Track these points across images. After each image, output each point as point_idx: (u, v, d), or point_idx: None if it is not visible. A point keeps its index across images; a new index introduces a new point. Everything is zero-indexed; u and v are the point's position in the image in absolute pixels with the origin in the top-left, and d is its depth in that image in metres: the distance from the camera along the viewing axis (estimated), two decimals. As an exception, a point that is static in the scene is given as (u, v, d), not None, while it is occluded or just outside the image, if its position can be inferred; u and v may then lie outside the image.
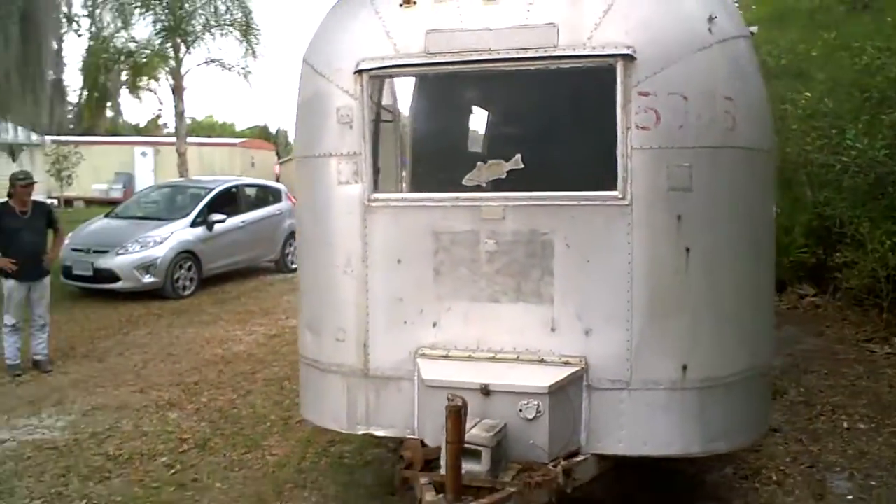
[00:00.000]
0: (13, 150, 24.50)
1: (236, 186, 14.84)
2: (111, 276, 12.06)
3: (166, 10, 22.77)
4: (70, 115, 43.58)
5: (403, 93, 4.81)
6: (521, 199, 4.23)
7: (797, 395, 7.47)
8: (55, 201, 29.12)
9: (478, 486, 3.78)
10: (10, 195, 8.30)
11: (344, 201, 4.48)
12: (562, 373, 4.08)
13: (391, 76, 4.35)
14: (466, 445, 3.75)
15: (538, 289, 4.21)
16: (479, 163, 4.44)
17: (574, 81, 4.39)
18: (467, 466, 3.79)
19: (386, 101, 4.84)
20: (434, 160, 4.68)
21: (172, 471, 5.91)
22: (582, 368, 4.15)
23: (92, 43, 37.58)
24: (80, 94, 43.86)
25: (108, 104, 32.44)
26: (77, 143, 30.25)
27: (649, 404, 4.15)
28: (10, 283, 8.21)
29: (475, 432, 3.80)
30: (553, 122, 4.66)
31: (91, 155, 31.89)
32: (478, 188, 4.38)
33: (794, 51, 11.21)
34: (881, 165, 9.48)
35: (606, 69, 4.07)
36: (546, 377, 4.04)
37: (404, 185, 4.58)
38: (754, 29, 4.76)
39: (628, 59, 4.01)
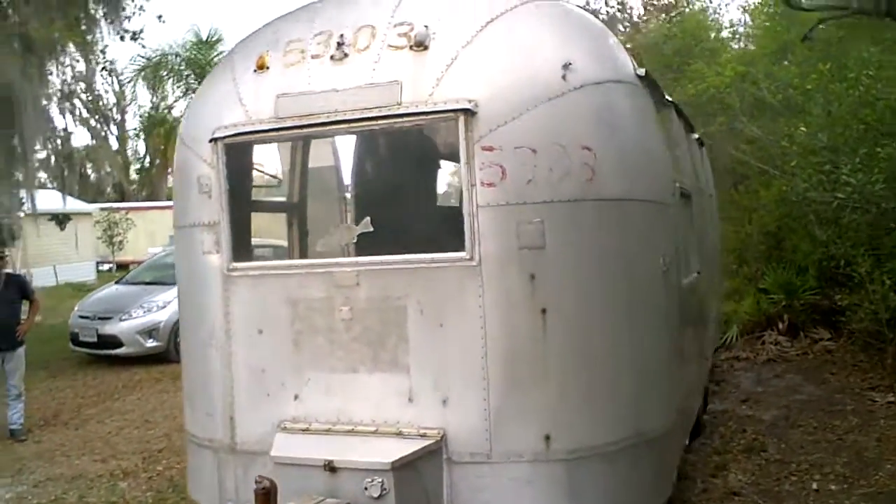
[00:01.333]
0: (61, 220, 25.42)
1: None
2: (115, 342, 12.22)
3: (198, 80, 23.50)
4: (133, 185, 45.43)
5: (283, 159, 4.71)
6: (373, 264, 4.05)
7: (775, 452, 6.97)
8: (110, 266, 30.14)
9: (311, 572, 3.53)
10: (-14, 268, 8.49)
11: (207, 271, 4.38)
12: (412, 446, 3.83)
13: (243, 143, 4.25)
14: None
15: (395, 357, 3.99)
16: (330, 228, 4.28)
17: (420, 140, 4.22)
18: (305, 549, 3.57)
19: (271, 167, 4.75)
20: (285, 227, 4.54)
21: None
22: (438, 441, 3.88)
23: (152, 113, 39.20)
24: (142, 162, 45.76)
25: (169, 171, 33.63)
26: (127, 210, 31.22)
27: (512, 478, 3.86)
28: (-17, 355, 8.35)
29: (306, 516, 3.57)
30: (402, 182, 4.47)
31: (145, 220, 32.87)
32: (331, 254, 4.21)
33: (792, 85, 10.77)
34: (881, 201, 8.96)
35: (450, 125, 3.89)
36: (394, 452, 3.79)
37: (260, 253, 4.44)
38: (641, 71, 4.51)
39: (468, 113, 3.82)
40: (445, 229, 3.95)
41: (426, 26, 4.04)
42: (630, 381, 4.01)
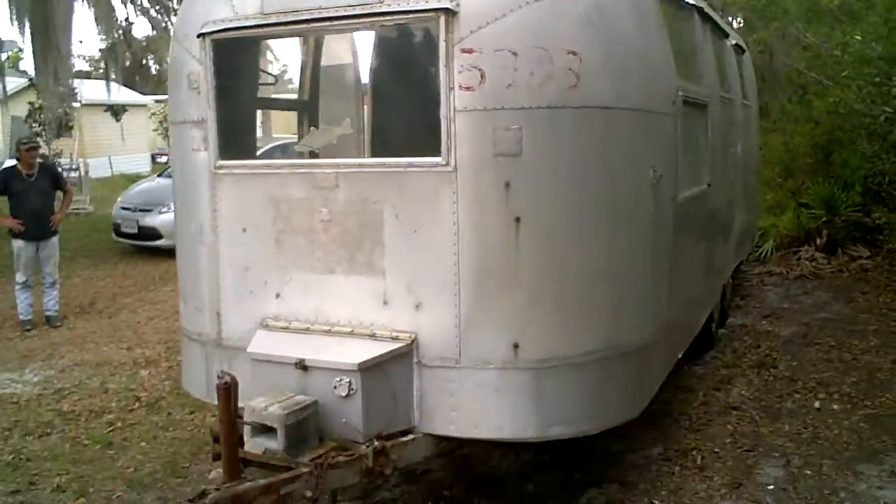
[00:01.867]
0: (116, 111, 25.83)
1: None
2: (154, 234, 12.54)
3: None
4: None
5: (272, 56, 4.64)
6: (352, 167, 4.02)
7: (785, 369, 6.91)
8: (167, 158, 30.67)
9: (275, 464, 3.66)
10: (17, 159, 8.72)
11: (196, 168, 4.41)
12: (382, 348, 3.88)
13: (230, 39, 4.18)
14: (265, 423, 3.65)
15: (370, 260, 4.00)
16: (311, 128, 4.24)
17: (403, 40, 4.09)
18: (267, 444, 3.69)
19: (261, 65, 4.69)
20: (274, 125, 4.50)
21: (111, 428, 6.10)
22: (409, 344, 3.92)
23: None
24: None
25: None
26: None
27: (479, 384, 3.89)
28: (18, 243, 8.68)
29: (271, 409, 3.68)
30: (384, 84, 4.36)
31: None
32: (314, 154, 4.18)
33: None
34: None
35: (431, 25, 3.76)
36: (363, 353, 3.85)
37: (248, 150, 4.42)
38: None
39: (449, 13, 3.68)
40: (424, 133, 3.87)
41: (421, -81, 3.85)
42: (606, 293, 3.96)
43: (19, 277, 8.76)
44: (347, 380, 3.78)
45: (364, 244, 4.01)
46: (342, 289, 4.10)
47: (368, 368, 3.81)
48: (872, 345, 7.44)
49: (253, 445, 3.74)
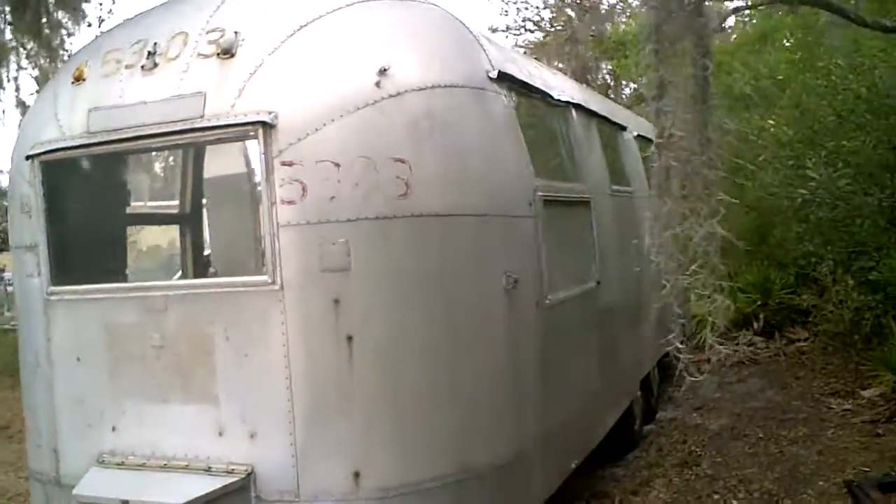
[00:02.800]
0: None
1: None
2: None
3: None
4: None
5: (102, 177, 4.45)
6: (181, 288, 3.81)
7: (707, 467, 6.59)
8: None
9: None
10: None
11: (30, 295, 4.17)
12: (213, 484, 3.58)
13: (58, 160, 4.01)
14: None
15: (203, 387, 3.74)
16: (139, 249, 4.04)
17: (226, 155, 3.94)
18: None
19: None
20: (102, 248, 4.30)
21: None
22: (244, 478, 3.62)
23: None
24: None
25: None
26: None
27: (321, 519, 3.58)
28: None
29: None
30: (210, 201, 4.20)
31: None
32: (142, 278, 3.96)
33: (763, 75, 10.28)
34: (847, 197, 8.47)
35: (250, 140, 3.61)
36: (192, 490, 3.54)
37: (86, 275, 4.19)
38: (494, 73, 4.19)
39: (266, 126, 3.54)
40: (250, 251, 3.67)
41: (237, 32, 3.78)
42: (452, 412, 3.71)
43: None
44: (171, 521, 3.46)
45: (197, 370, 3.75)
46: (177, 419, 3.82)
47: (195, 509, 3.49)
48: (800, 434, 7.16)
49: None
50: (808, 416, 7.64)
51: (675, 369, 9.86)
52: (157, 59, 3.87)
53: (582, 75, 22.06)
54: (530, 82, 4.78)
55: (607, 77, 22.16)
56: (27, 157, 4.05)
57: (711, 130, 3.84)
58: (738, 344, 10.23)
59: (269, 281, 3.56)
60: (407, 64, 3.78)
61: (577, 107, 5.64)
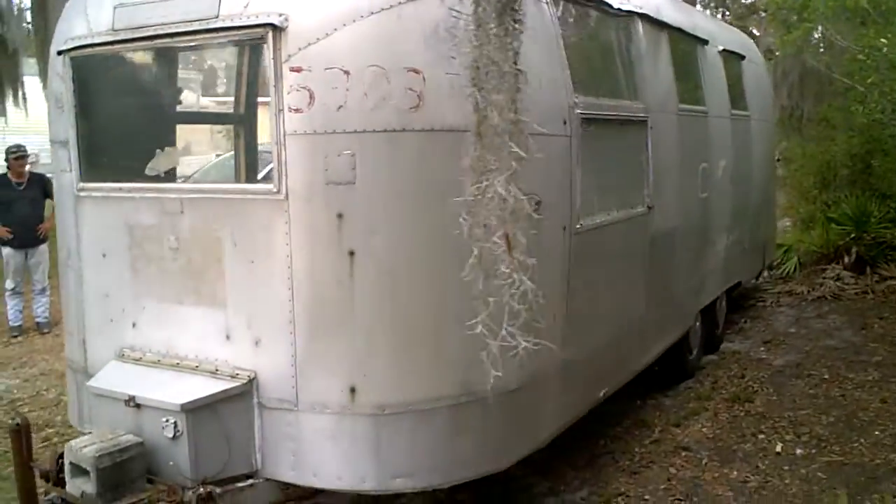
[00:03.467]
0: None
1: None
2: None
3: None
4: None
5: (132, 73, 4.43)
6: (195, 192, 3.80)
7: (760, 404, 6.35)
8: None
9: (90, 508, 3.47)
10: (7, 167, 8.85)
11: (64, 190, 4.27)
12: (216, 387, 3.64)
13: (87, 56, 4.00)
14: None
15: (214, 291, 3.76)
16: (157, 150, 4.02)
17: (241, 58, 3.81)
18: (84, 487, 3.50)
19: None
20: (128, 147, 4.29)
21: (43, 443, 6.03)
22: (246, 384, 3.66)
23: None
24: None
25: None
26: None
27: (317, 430, 3.61)
28: (7, 251, 8.80)
29: (85, 450, 3.48)
30: (229, 104, 4.09)
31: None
32: (162, 178, 3.96)
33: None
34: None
35: (261, 43, 3.49)
36: (194, 391, 3.61)
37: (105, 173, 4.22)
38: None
39: (277, 29, 3.41)
40: (260, 159, 3.61)
41: (256, -72, 3.60)
42: (455, 334, 3.59)
43: (8, 284, 8.88)
44: (173, 420, 3.54)
45: (208, 274, 3.77)
46: (190, 321, 3.88)
47: (196, 409, 3.56)
48: (868, 379, 6.77)
49: (71, 487, 3.56)
50: (882, 361, 7.22)
51: (752, 299, 9.53)
52: (179, -44, 3.75)
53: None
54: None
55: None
56: (59, 53, 4.06)
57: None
58: (825, 278, 9.73)
59: (275, 190, 3.49)
60: (430, -36, 3.53)
61: (644, 17, 5.23)
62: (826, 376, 6.91)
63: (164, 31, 3.71)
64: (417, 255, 3.52)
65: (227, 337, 3.75)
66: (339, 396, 3.54)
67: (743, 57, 7.84)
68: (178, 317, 3.90)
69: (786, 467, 5.24)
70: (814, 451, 5.46)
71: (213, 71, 3.82)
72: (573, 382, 4.40)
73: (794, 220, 12.13)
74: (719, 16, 21.25)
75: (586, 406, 4.71)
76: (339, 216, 3.44)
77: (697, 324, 6.95)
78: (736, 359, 7.53)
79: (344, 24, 3.39)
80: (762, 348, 7.86)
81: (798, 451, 5.47)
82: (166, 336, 3.94)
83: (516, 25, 3.25)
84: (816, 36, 12.54)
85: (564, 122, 4.04)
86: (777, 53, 15.79)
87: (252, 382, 3.67)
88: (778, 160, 9.69)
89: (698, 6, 21.31)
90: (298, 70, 3.40)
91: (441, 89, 3.46)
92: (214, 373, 3.76)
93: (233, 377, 3.70)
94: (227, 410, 3.64)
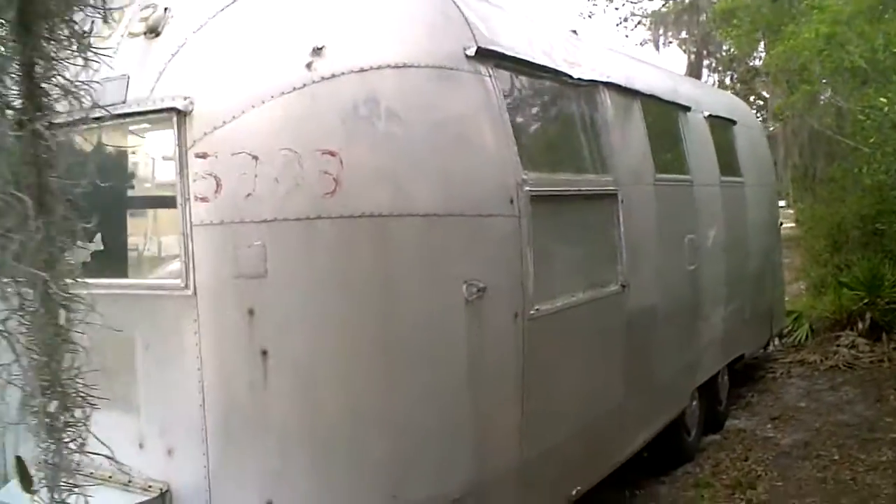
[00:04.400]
0: None
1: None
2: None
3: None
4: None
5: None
6: (105, 287, 3.48)
7: (763, 492, 5.84)
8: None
9: None
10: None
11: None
12: (128, 500, 3.30)
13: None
14: None
15: (127, 395, 3.45)
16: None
17: (149, 147, 3.58)
18: None
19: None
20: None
21: None
22: (157, 497, 3.32)
23: None
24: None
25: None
26: None
27: (234, 549, 3.24)
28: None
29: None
30: (135, 194, 3.83)
31: None
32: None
33: (878, 47, 9.04)
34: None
35: (167, 128, 3.26)
36: (99, 509, 3.26)
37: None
38: (471, 50, 3.66)
39: (181, 113, 3.17)
40: (168, 252, 3.34)
41: (167, 8, 3.42)
42: (384, 440, 3.25)
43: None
44: (72, 543, 3.18)
45: (120, 376, 3.46)
46: (104, 426, 3.54)
47: (99, 529, 3.20)
48: (883, 460, 6.25)
49: None
50: (898, 439, 6.68)
51: (762, 370, 9.04)
52: (93, 40, 3.55)
53: (702, 47, 20.71)
54: (534, 60, 4.18)
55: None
56: None
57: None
58: (838, 345, 9.25)
59: (182, 285, 3.21)
60: (348, 41, 3.31)
61: (611, 86, 4.96)
62: (836, 457, 6.40)
63: (77, 117, 3.48)
64: (336, 353, 3.20)
65: (141, 445, 3.42)
66: (255, 512, 3.18)
67: (734, 122, 7.55)
68: (93, 422, 3.57)
69: (787, 568, 4.74)
70: (818, 547, 4.96)
71: (125, 160, 3.58)
72: (536, 483, 4.00)
73: (808, 284, 11.66)
74: (727, 79, 21.07)
75: (555, 506, 4.28)
76: (250, 312, 3.14)
77: (694, 403, 6.51)
78: (740, 438, 7.04)
79: (252, 106, 3.16)
80: (769, 425, 7.36)
81: (801, 549, 4.97)
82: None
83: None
84: (824, 97, 12.27)
85: (511, 202, 3.73)
86: (786, 114, 15.52)
87: (165, 496, 3.33)
88: (781, 224, 9.29)
89: (704, 71, 21.30)
90: (204, 156, 3.15)
91: (360, 172, 3.19)
92: (127, 484, 3.42)
93: (145, 489, 3.36)
94: (134, 529, 3.29)
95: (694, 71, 20.96)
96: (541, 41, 4.55)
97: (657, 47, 21.41)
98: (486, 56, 3.76)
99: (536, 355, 3.92)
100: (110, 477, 3.42)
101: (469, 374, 3.51)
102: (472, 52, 3.68)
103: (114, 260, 3.56)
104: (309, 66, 3.21)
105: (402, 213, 3.27)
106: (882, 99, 8.26)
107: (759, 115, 19.44)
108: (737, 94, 21.21)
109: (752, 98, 20.16)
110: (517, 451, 3.82)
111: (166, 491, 3.33)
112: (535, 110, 4.37)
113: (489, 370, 3.62)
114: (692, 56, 21.18)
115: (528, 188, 3.84)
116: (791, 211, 18.64)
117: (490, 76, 3.79)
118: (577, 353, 4.38)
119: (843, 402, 7.84)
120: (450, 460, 3.44)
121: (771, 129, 19.99)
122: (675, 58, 26.65)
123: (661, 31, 21.11)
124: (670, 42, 21.42)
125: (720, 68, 21.00)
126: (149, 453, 3.40)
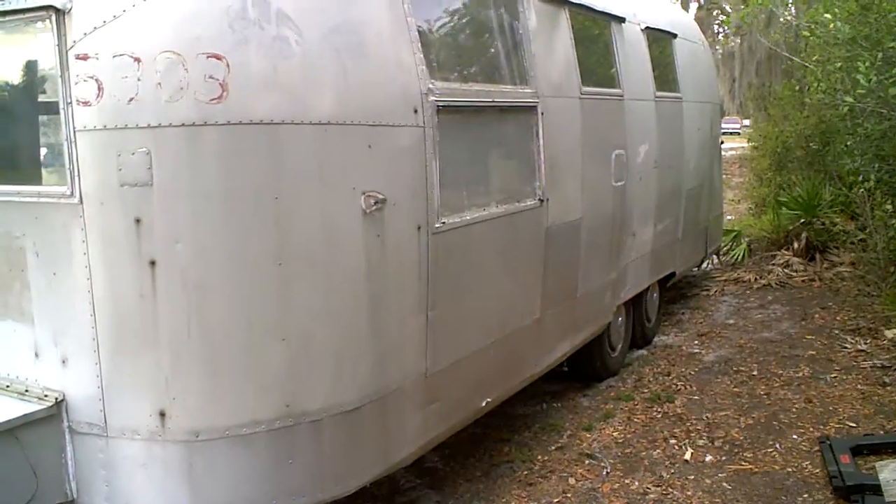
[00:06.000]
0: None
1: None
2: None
3: None
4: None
5: None
6: (-7, 194, 3.41)
7: (679, 406, 6.02)
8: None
9: None
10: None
11: None
12: (16, 410, 3.28)
13: None
14: None
15: (20, 304, 3.40)
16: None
17: (32, 45, 3.41)
18: None
19: None
20: None
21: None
22: (52, 406, 3.31)
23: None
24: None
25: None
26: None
27: (128, 457, 3.27)
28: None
29: None
30: (23, 97, 3.67)
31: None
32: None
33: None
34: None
35: (45, 28, 3.11)
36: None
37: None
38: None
39: (59, 12, 3.03)
40: (55, 158, 3.24)
41: None
42: (276, 350, 3.25)
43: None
44: (-36, 451, 3.19)
45: (13, 284, 3.41)
46: (2, 335, 3.52)
47: (-9, 436, 3.20)
48: (798, 376, 6.45)
49: None
50: (816, 355, 6.90)
51: (697, 287, 9.20)
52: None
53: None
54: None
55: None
56: None
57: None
58: (774, 265, 9.42)
59: (68, 193, 3.13)
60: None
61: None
62: (755, 372, 6.59)
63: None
64: (226, 263, 3.16)
65: (36, 354, 3.40)
66: (148, 421, 3.20)
67: (674, 35, 7.45)
68: (-11, 331, 3.54)
69: (691, 476, 4.92)
70: (724, 458, 5.14)
71: (4, 59, 3.42)
72: (442, 394, 4.06)
73: (750, 203, 11.81)
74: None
75: (464, 417, 4.37)
76: (137, 221, 3.08)
77: (619, 319, 6.61)
78: (666, 354, 7.21)
79: (133, 5, 3.02)
80: (696, 342, 7.54)
81: (707, 458, 5.15)
82: (-23, 353, 3.58)
83: None
84: (780, 13, 12.16)
85: (415, 111, 3.67)
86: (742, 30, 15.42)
87: (60, 405, 3.33)
88: (721, 143, 9.31)
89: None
90: (84, 58, 3.02)
91: (249, 77, 3.09)
92: (24, 393, 3.41)
93: (41, 399, 3.35)
94: (33, 436, 3.29)
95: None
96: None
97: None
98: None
99: (442, 268, 3.92)
100: (7, 386, 3.43)
101: (367, 285, 3.50)
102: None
103: (2, 166, 3.46)
104: (196, -35, 3.07)
105: (294, 122, 3.19)
106: (827, 15, 8.17)
107: (720, 29, 19.33)
108: (701, 7, 21.02)
109: (715, 12, 19.99)
110: (420, 363, 3.86)
111: (62, 400, 3.32)
112: (447, 18, 4.24)
113: (389, 282, 3.61)
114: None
115: (434, 98, 3.77)
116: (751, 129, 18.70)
117: (393, -21, 3.66)
118: (490, 267, 4.39)
119: (770, 320, 8.03)
120: (346, 371, 3.46)
121: (731, 45, 19.89)
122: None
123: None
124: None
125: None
126: (44, 363, 3.37)
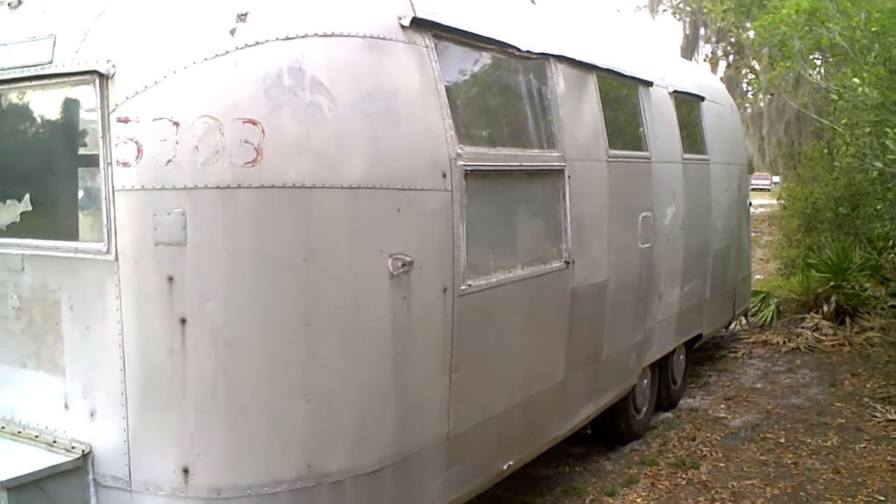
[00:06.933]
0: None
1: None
2: None
3: None
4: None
5: None
6: (33, 249, 3.52)
7: (704, 473, 5.93)
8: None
9: None
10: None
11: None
12: (46, 461, 3.34)
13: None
14: None
15: (53, 356, 3.49)
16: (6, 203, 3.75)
17: (74, 108, 3.54)
18: None
19: None
20: None
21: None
22: (79, 458, 3.36)
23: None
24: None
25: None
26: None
27: (150, 513, 3.28)
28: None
29: None
30: (61, 157, 3.78)
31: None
32: (4, 233, 3.68)
33: (858, 24, 8.95)
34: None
35: (89, 91, 3.24)
36: (21, 466, 3.31)
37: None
38: (406, 20, 3.65)
39: (103, 77, 3.16)
40: (93, 216, 3.34)
41: (98, -35, 3.38)
42: (301, 410, 3.29)
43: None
44: (-6, 498, 3.24)
45: (47, 337, 3.50)
46: (32, 386, 3.60)
47: (20, 486, 3.25)
48: (826, 444, 6.35)
49: None
50: (845, 423, 6.78)
51: (725, 349, 9.11)
52: (20, -4, 3.54)
53: (697, 17, 20.51)
54: (478, 31, 4.16)
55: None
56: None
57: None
58: (803, 328, 9.32)
59: (104, 250, 3.22)
60: (273, 8, 3.30)
61: (563, 59, 4.94)
62: (782, 440, 6.49)
63: (5, 77, 3.49)
64: (255, 322, 3.22)
65: (66, 406, 3.46)
66: (171, 477, 3.23)
67: (702, 98, 7.52)
68: (22, 381, 3.62)
69: (715, 547, 4.83)
70: (748, 528, 5.05)
71: (50, 120, 3.56)
72: (464, 456, 4.05)
73: (779, 264, 11.73)
74: (720, 51, 20.96)
75: (485, 480, 4.35)
76: (170, 279, 3.16)
77: (645, 381, 6.57)
78: (692, 418, 7.13)
79: (174, 71, 3.14)
80: (722, 406, 7.45)
81: (731, 529, 5.06)
82: (10, 401, 3.66)
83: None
84: (809, 74, 12.21)
85: (444, 176, 3.74)
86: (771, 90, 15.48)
87: (87, 457, 3.38)
88: (750, 203, 9.30)
89: (700, 41, 21.13)
90: (125, 121, 3.14)
91: (283, 142, 3.18)
92: (52, 444, 3.47)
93: (68, 451, 3.40)
94: (59, 487, 3.33)
95: (690, 41, 20.88)
96: (489, 11, 4.52)
97: (653, 14, 21.32)
98: (423, 26, 3.74)
99: (467, 330, 3.95)
100: (36, 437, 3.49)
101: (393, 347, 3.53)
102: (407, 21, 3.66)
103: (43, 221, 3.57)
104: (232, 32, 3.19)
105: (326, 185, 3.27)
106: (855, 79, 8.20)
107: (749, 89, 19.39)
108: (730, 66, 21.13)
109: (744, 71, 20.09)
110: (443, 426, 3.87)
111: (88, 452, 3.37)
112: (477, 83, 4.34)
113: (414, 344, 3.65)
114: (687, 26, 21.08)
115: (462, 163, 3.84)
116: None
117: (427, 47, 3.77)
118: (514, 329, 4.41)
119: (798, 385, 7.92)
120: (369, 433, 3.48)
121: (761, 104, 19.93)
122: (671, 27, 26.52)
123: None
124: (665, 10, 21.30)
125: (713, 39, 20.88)
126: (73, 414, 3.43)
